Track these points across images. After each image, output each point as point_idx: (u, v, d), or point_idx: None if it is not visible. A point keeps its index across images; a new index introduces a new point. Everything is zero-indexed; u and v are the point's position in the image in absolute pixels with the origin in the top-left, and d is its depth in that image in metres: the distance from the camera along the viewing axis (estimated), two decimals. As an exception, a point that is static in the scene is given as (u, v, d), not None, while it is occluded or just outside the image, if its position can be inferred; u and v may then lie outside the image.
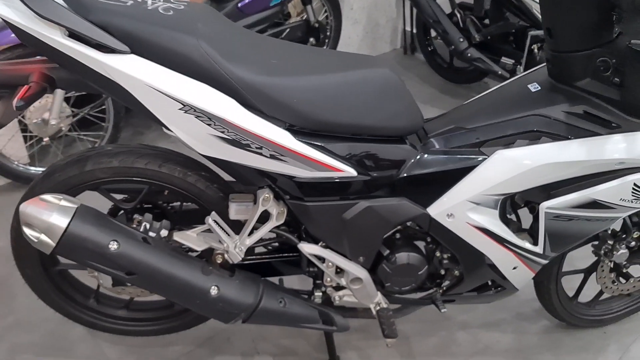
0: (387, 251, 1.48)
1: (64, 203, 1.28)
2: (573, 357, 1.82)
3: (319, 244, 1.45)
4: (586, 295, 1.84)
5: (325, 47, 3.38)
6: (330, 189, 1.36)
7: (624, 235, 1.66)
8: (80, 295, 1.63)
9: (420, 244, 1.53)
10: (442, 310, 1.56)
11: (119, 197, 1.49)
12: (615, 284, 1.77)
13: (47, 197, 1.29)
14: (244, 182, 1.38)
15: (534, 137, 1.37)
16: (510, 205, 1.55)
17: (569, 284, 1.80)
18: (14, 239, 1.46)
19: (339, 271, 1.49)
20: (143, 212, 1.48)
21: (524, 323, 1.94)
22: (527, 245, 1.47)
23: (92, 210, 1.32)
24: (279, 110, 1.26)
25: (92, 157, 1.38)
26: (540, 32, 2.80)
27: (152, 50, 1.18)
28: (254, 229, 1.43)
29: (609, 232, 1.68)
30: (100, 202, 1.42)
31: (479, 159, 1.38)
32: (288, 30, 3.11)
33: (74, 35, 1.15)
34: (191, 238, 1.44)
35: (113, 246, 1.29)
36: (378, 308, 1.54)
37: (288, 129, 1.27)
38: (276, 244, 1.56)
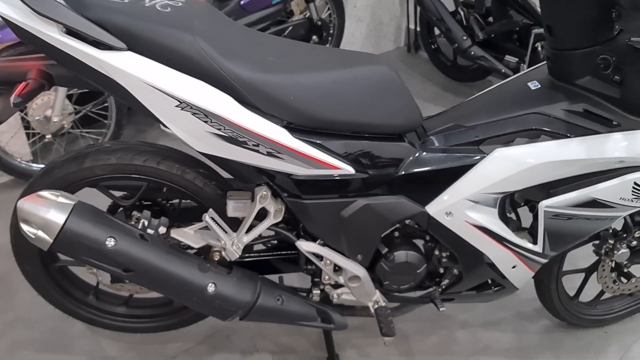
0: (386, 249, 1.48)
1: (61, 200, 1.29)
2: (574, 356, 1.81)
3: (317, 241, 1.44)
4: (587, 295, 1.83)
5: (328, 45, 3.37)
6: (328, 187, 1.35)
7: (625, 235, 1.65)
8: (80, 292, 1.64)
9: (419, 242, 1.52)
10: (441, 309, 1.55)
11: (118, 194, 1.49)
12: (617, 283, 1.76)
13: (45, 193, 1.29)
14: (242, 179, 1.38)
15: (533, 135, 1.36)
16: (510, 204, 1.55)
17: (570, 284, 1.78)
18: (14, 236, 1.46)
19: (337, 269, 1.48)
20: (142, 209, 1.48)
21: (524, 322, 1.92)
22: (527, 244, 1.46)
23: (90, 207, 1.32)
24: (276, 107, 1.25)
25: (91, 154, 1.38)
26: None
27: (148, 47, 1.18)
28: (252, 226, 1.42)
29: (610, 231, 1.66)
30: (99, 199, 1.43)
31: (478, 157, 1.37)
32: (291, 28, 3.11)
33: (71, 32, 1.15)
34: (189, 235, 1.44)
35: (110, 243, 1.29)
36: (376, 306, 1.53)
37: (285, 127, 1.27)
38: (274, 242, 1.55)
